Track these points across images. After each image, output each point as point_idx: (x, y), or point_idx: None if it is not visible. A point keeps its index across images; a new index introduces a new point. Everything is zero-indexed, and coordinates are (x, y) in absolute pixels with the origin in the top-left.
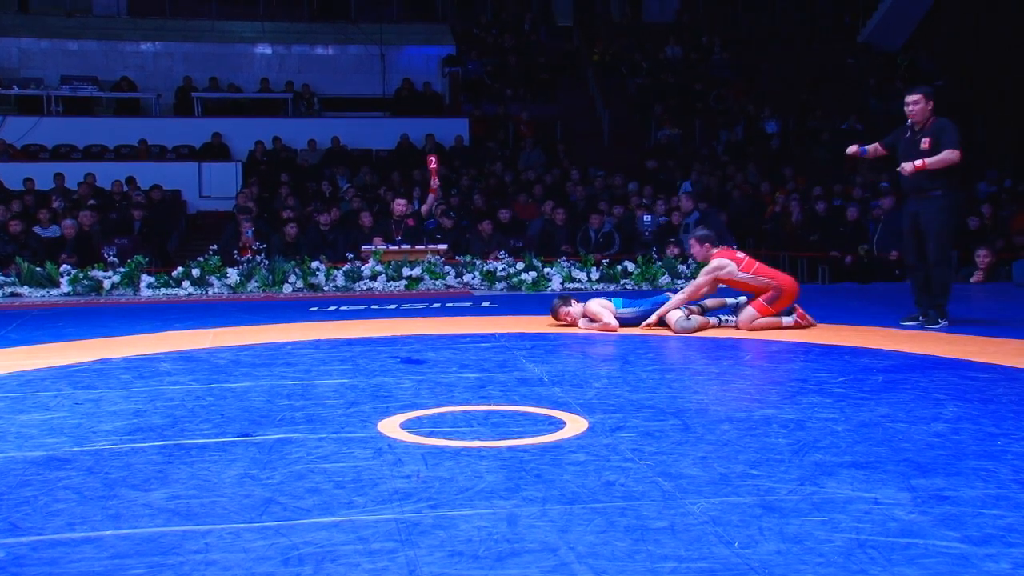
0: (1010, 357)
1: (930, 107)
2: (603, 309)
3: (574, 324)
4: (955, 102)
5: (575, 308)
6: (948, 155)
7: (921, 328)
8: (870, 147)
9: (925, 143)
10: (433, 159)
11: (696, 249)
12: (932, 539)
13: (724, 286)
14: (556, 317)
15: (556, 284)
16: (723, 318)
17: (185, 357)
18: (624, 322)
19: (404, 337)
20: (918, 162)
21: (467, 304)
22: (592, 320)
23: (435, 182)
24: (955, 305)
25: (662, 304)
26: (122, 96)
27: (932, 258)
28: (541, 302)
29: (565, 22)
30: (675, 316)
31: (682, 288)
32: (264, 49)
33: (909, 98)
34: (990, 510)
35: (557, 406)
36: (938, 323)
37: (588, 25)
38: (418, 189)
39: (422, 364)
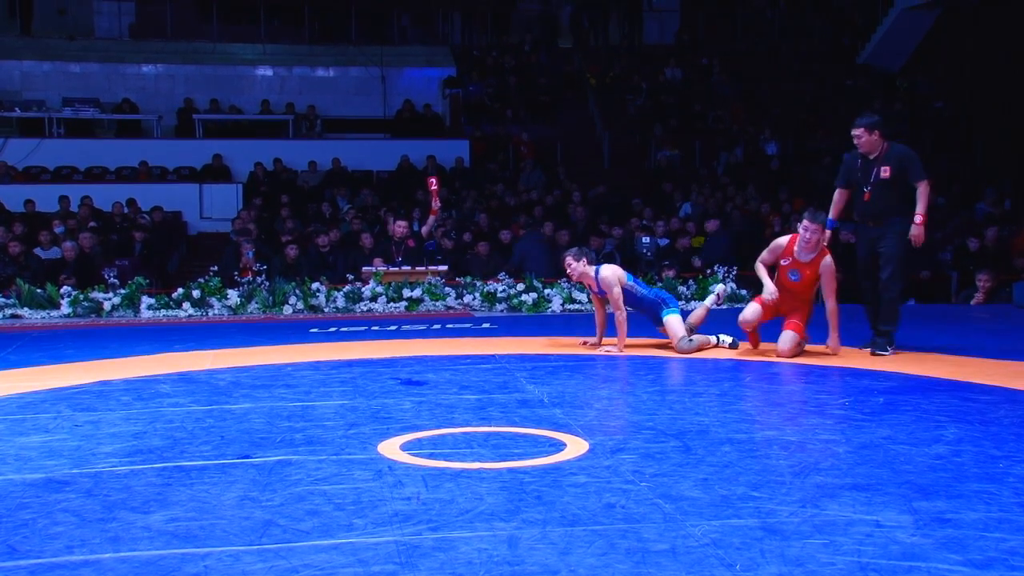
0: (1011, 379)
1: (875, 136)
2: (616, 279)
3: (573, 277)
4: (954, 123)
5: (579, 265)
6: (925, 191)
7: (872, 353)
8: (833, 214)
9: (885, 172)
10: (434, 180)
11: (818, 235)
12: (934, 562)
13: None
14: (565, 264)
15: (556, 306)
16: (722, 337)
17: (185, 379)
18: (629, 298)
19: (404, 358)
20: (918, 219)
21: (467, 325)
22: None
23: (436, 203)
24: (957, 327)
25: (662, 299)
26: (123, 118)
27: (884, 283)
28: (541, 323)
29: (565, 43)
30: (679, 335)
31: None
32: (265, 71)
33: (853, 132)
34: (992, 533)
35: (558, 428)
36: (887, 350)
37: (585, 49)
38: (418, 210)
39: (422, 385)
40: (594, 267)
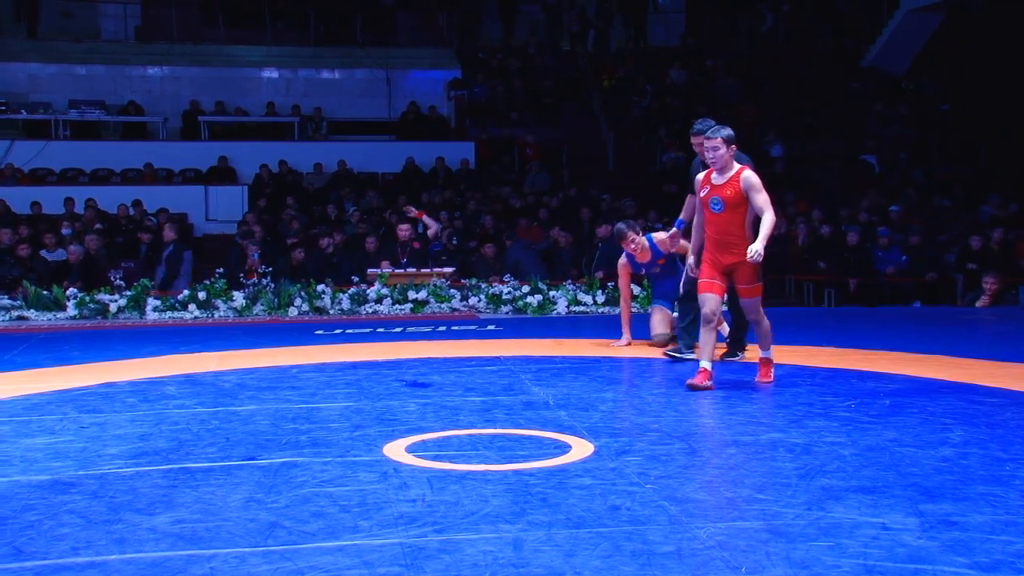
0: (1017, 381)
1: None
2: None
3: (637, 253)
4: (960, 126)
5: (641, 239)
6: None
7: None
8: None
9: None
10: (411, 209)
11: (721, 151)
12: (940, 565)
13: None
14: (623, 243)
15: (562, 307)
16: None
17: (190, 380)
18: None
19: (409, 360)
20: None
21: (472, 327)
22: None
23: (426, 220)
24: (963, 329)
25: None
26: (129, 120)
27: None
28: (546, 325)
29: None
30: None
31: None
32: (271, 73)
33: (692, 140)
34: (999, 535)
35: (563, 430)
36: (737, 356)
37: (593, 53)
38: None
39: (427, 387)
40: (644, 236)
